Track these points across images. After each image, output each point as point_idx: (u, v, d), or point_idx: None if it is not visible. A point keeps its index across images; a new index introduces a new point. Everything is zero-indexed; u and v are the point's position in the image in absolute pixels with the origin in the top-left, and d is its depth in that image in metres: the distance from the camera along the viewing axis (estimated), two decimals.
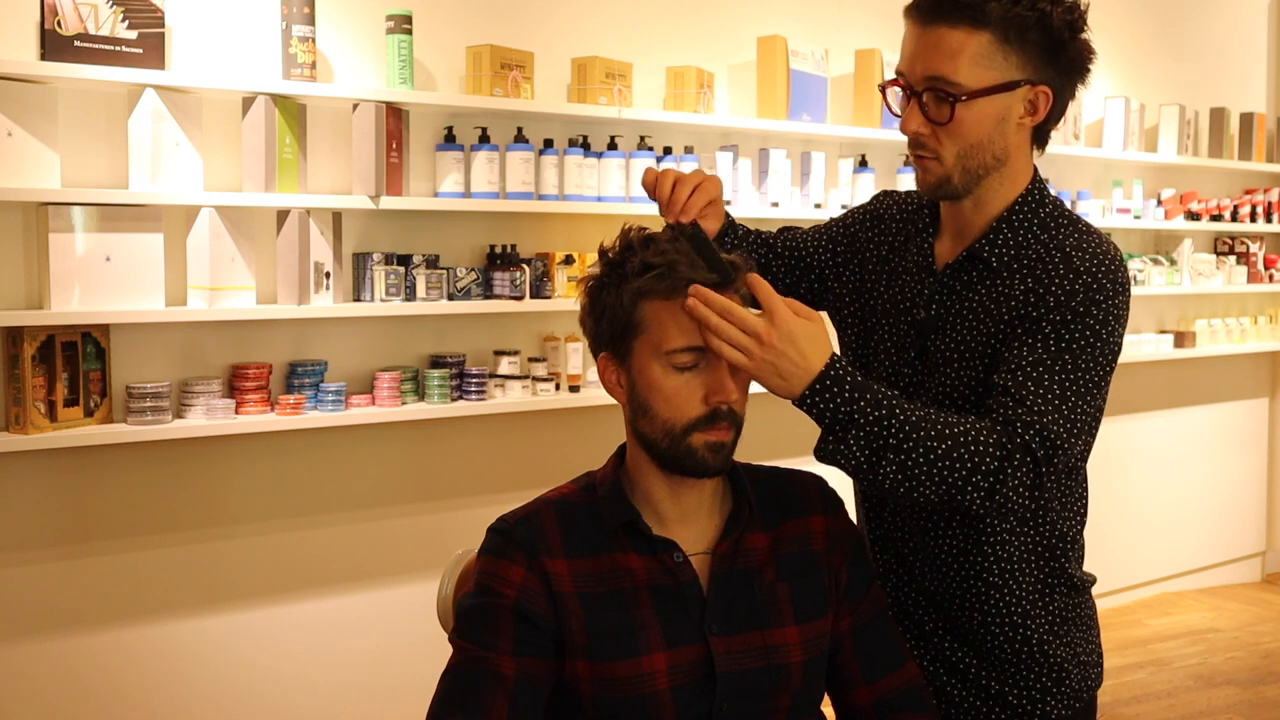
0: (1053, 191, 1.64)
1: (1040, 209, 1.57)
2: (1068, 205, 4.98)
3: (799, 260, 1.81)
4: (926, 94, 1.49)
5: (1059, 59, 1.49)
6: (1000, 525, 1.58)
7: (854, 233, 1.77)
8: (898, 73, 1.54)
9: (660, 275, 1.41)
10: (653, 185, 1.57)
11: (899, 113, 1.55)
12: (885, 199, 1.78)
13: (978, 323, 1.55)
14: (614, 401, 1.50)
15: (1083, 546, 1.66)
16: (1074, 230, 1.55)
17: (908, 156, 4.14)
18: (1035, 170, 1.60)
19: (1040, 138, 1.57)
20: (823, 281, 1.79)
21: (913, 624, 1.67)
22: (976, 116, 1.49)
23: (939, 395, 1.58)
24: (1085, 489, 1.66)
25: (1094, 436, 1.58)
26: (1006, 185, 1.56)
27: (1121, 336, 1.52)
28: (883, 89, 1.58)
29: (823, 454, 1.44)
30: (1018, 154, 1.55)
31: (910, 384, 1.62)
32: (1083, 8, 1.51)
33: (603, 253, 1.48)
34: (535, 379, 3.36)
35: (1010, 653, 1.61)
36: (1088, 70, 1.54)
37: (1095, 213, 4.67)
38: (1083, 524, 1.65)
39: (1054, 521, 1.60)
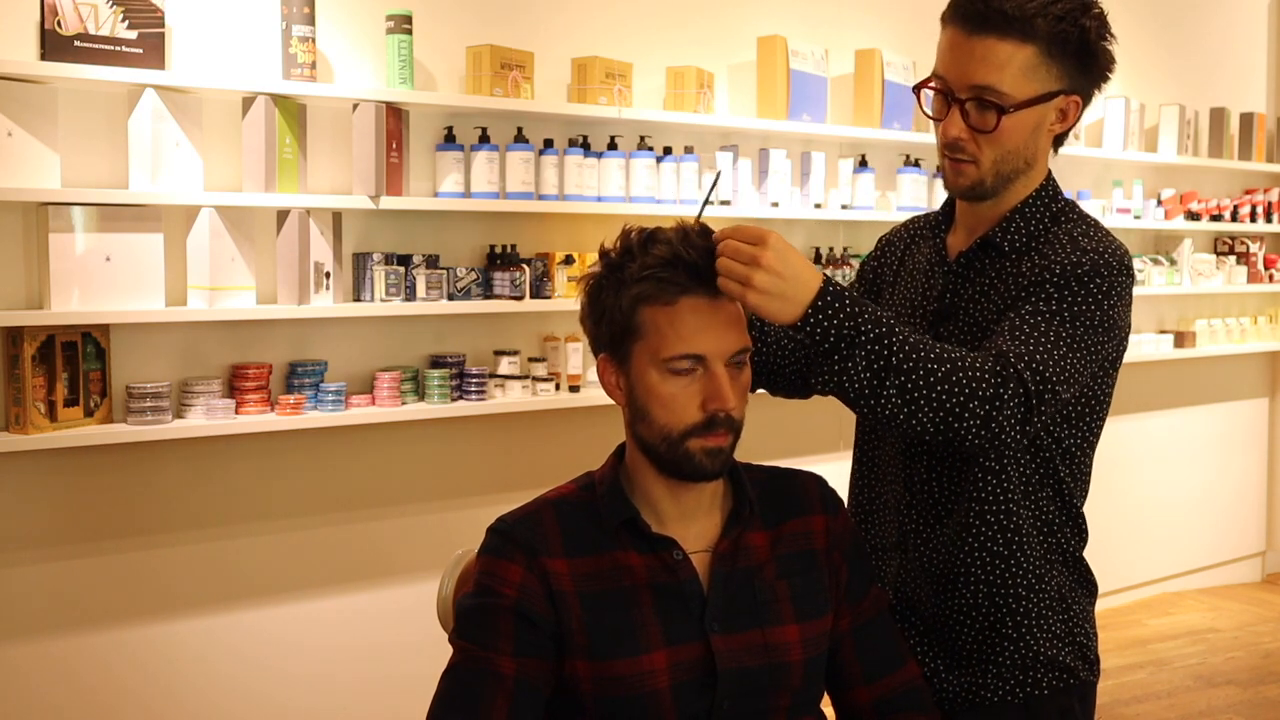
0: None
1: (1053, 203, 1.64)
2: None
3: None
4: (970, 102, 1.54)
5: (1091, 70, 1.58)
6: (1006, 496, 1.59)
7: (867, 270, 1.86)
8: (936, 75, 1.58)
9: (659, 282, 1.41)
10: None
11: (933, 115, 1.60)
12: (885, 234, 1.88)
13: (988, 303, 1.60)
14: (614, 401, 1.50)
15: (1086, 528, 1.69)
16: (1082, 222, 1.62)
17: (908, 156, 4.15)
18: (1049, 171, 1.67)
19: (1057, 143, 1.66)
20: None
21: (909, 605, 1.67)
22: (1018, 125, 1.55)
23: None
24: (1090, 471, 1.68)
25: (1100, 417, 1.63)
26: (1026, 185, 1.64)
27: (1127, 320, 1.57)
28: (917, 90, 1.61)
29: (827, 377, 1.43)
30: (1042, 157, 1.64)
31: None
32: (1105, 13, 1.59)
33: (603, 253, 1.48)
34: (535, 379, 3.36)
35: (1010, 626, 1.62)
36: (1109, 77, 1.62)
37: (1095, 213, 4.66)
38: (1084, 502, 1.69)
39: (1060, 495, 1.63)
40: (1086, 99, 1.60)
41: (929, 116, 1.61)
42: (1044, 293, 1.51)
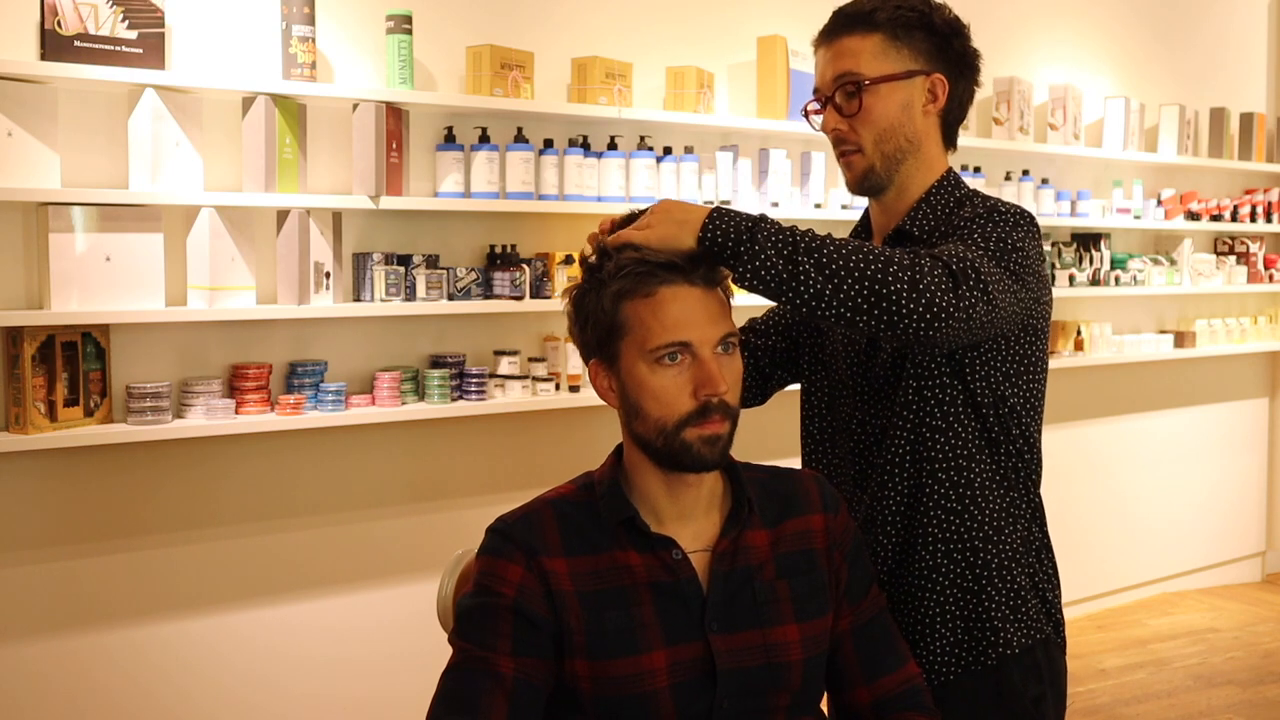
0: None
1: (957, 190, 1.72)
2: (1066, 204, 4.90)
3: (785, 327, 1.91)
4: (837, 93, 1.69)
5: (947, 53, 1.69)
6: (956, 453, 1.63)
7: None
8: (814, 92, 1.72)
9: (636, 275, 1.42)
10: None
11: (820, 128, 1.72)
12: None
13: None
14: (609, 405, 1.50)
15: (1040, 479, 1.73)
16: (985, 199, 1.69)
17: None
18: (950, 167, 1.75)
19: (948, 134, 1.74)
20: (806, 332, 1.88)
21: (877, 564, 1.69)
22: (882, 103, 1.67)
23: (885, 374, 1.68)
24: (1040, 442, 1.73)
25: (1039, 379, 1.68)
26: (923, 172, 1.71)
27: (1041, 267, 1.64)
28: (805, 114, 1.75)
29: (742, 274, 1.47)
30: (928, 142, 1.71)
31: (859, 370, 1.71)
32: (964, 23, 1.72)
33: (582, 260, 1.51)
34: (535, 379, 3.36)
35: (970, 579, 1.64)
36: (977, 69, 1.73)
37: (1095, 213, 4.67)
38: (1040, 472, 1.74)
39: (1019, 455, 1.68)
40: (954, 81, 1.69)
41: (818, 130, 1.73)
42: (956, 232, 1.59)
